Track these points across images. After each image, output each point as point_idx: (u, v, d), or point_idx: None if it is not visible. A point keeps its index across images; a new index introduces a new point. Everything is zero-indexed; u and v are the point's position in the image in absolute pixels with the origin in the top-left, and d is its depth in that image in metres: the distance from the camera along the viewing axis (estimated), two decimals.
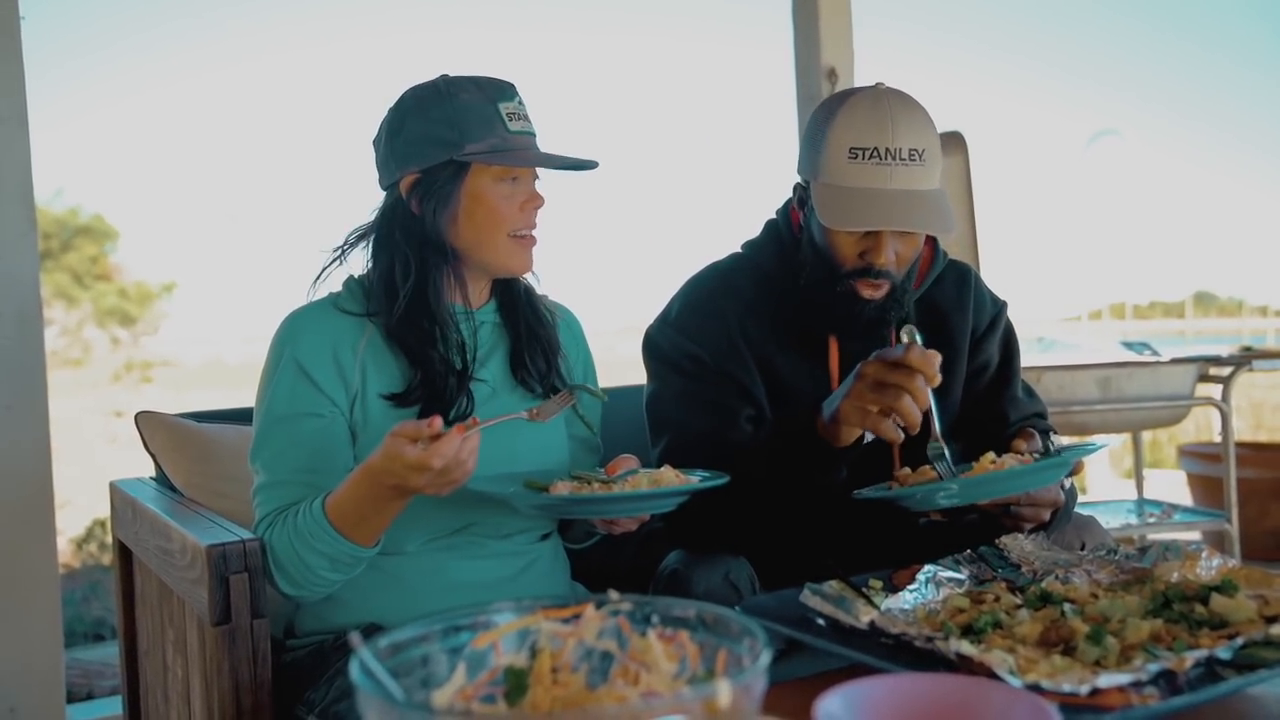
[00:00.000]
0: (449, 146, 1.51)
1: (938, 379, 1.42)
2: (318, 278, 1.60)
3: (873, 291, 1.62)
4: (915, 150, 1.55)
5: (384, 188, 1.60)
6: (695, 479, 1.47)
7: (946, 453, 1.49)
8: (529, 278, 1.68)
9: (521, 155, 1.54)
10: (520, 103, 1.57)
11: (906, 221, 1.55)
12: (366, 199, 1.63)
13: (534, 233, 1.58)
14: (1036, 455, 1.51)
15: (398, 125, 1.56)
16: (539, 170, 1.59)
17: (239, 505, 1.81)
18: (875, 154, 1.55)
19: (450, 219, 1.53)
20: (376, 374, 1.53)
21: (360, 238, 1.61)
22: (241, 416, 2.07)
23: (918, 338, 1.48)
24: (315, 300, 1.59)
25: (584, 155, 1.58)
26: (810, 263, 1.68)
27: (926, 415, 1.45)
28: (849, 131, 1.57)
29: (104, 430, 10.96)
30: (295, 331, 1.54)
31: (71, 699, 3.00)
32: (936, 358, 1.43)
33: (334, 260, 1.61)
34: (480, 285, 1.63)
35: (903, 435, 1.45)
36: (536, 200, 1.57)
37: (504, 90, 1.56)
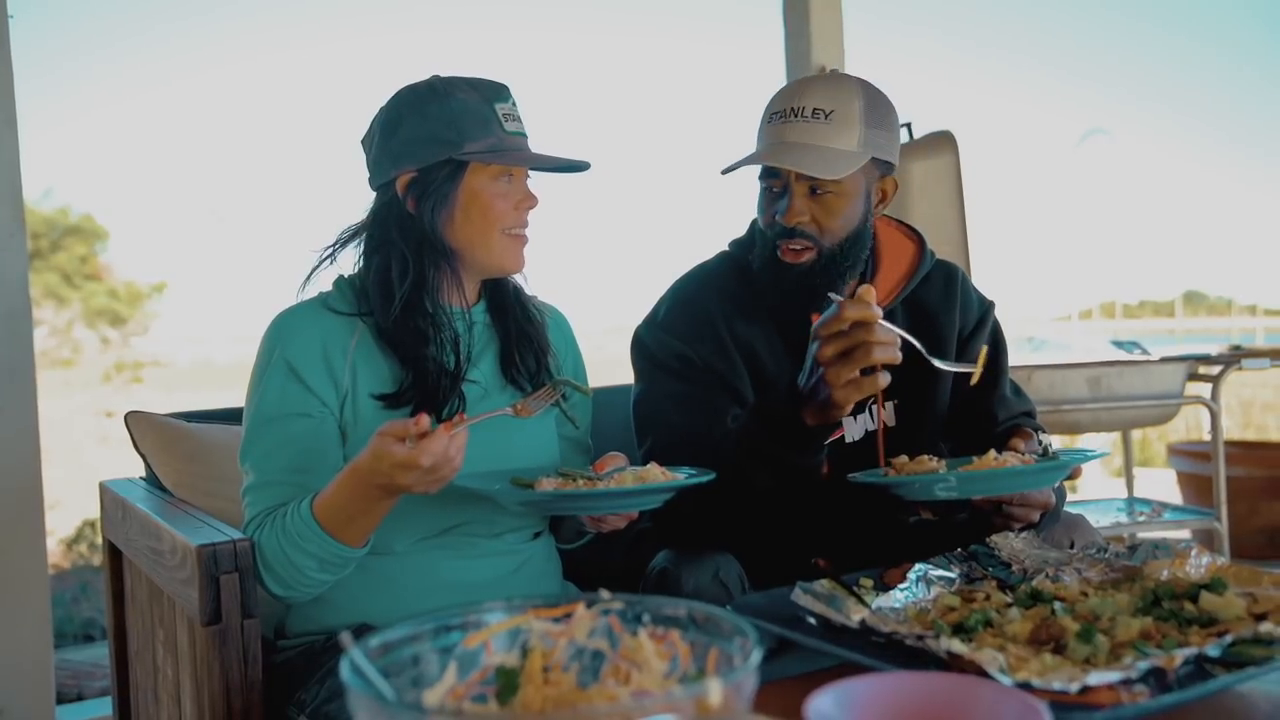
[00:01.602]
0: (448, 145, 1.52)
1: (879, 314, 1.39)
2: (307, 278, 1.60)
3: (794, 257, 1.66)
4: (820, 109, 1.63)
5: (375, 187, 1.60)
6: (681, 476, 1.47)
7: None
8: (518, 277, 1.68)
9: (519, 155, 1.55)
10: (514, 104, 1.58)
11: (776, 159, 1.62)
12: (354, 199, 1.63)
13: (526, 232, 1.59)
14: (1035, 455, 1.51)
15: (393, 125, 1.56)
16: (530, 171, 1.60)
17: (229, 505, 1.81)
18: (783, 114, 1.66)
19: (448, 218, 1.54)
20: (367, 373, 1.53)
21: (351, 237, 1.61)
22: (231, 417, 2.06)
23: (835, 296, 1.45)
24: (305, 300, 1.59)
25: (576, 156, 1.59)
26: (756, 240, 1.74)
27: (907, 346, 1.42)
28: (772, 102, 1.70)
29: (94, 430, 10.92)
30: (285, 331, 1.54)
31: (61, 700, 2.99)
32: (869, 292, 1.40)
33: (324, 260, 1.61)
34: (472, 285, 1.63)
35: (890, 379, 1.41)
36: (530, 200, 1.58)
37: (499, 91, 1.57)
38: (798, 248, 1.65)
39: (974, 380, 1.50)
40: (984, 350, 1.52)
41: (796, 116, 1.63)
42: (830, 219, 1.65)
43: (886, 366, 1.40)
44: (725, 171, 1.68)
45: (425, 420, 1.30)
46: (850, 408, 1.46)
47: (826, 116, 1.62)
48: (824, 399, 1.44)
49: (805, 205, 1.64)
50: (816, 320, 1.43)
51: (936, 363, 1.48)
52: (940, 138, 3.50)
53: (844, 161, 1.61)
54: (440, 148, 1.52)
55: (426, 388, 1.52)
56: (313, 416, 1.51)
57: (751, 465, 1.53)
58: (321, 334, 1.53)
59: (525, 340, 1.65)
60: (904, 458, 1.52)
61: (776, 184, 1.67)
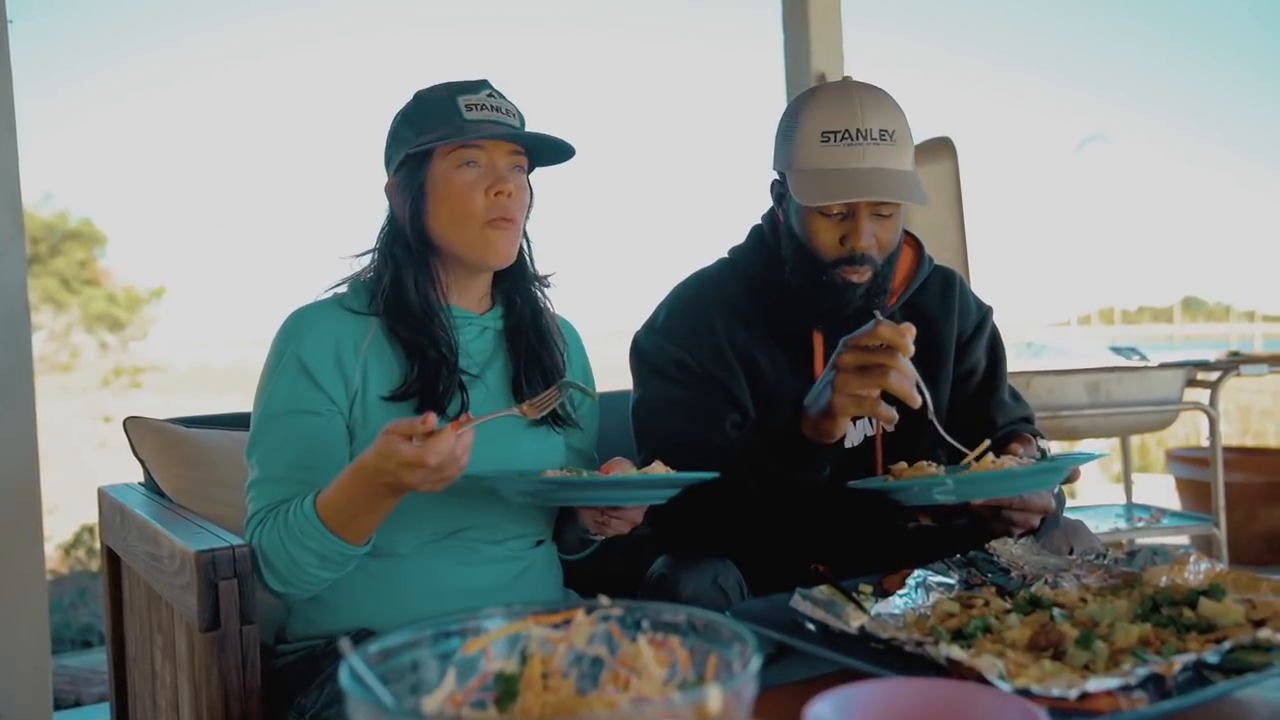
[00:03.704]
0: (406, 142, 1.56)
1: (911, 349, 1.41)
2: (334, 286, 1.63)
3: (858, 277, 1.63)
4: (885, 130, 1.59)
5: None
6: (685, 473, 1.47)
7: (944, 435, 1.50)
8: (543, 299, 1.69)
9: (472, 130, 1.53)
10: (489, 95, 1.57)
11: (883, 192, 1.56)
12: (355, 203, 1.65)
13: (508, 220, 1.54)
14: (1034, 459, 1.51)
15: (387, 138, 1.62)
16: (531, 171, 1.62)
17: (228, 511, 1.81)
18: (846, 135, 1.58)
19: (423, 211, 1.56)
20: (378, 373, 1.54)
21: (370, 251, 1.65)
22: (230, 422, 2.06)
23: (880, 315, 1.47)
24: (320, 299, 1.60)
25: (549, 133, 1.56)
26: (793, 257, 1.69)
27: (918, 389, 1.43)
28: (819, 117, 1.60)
29: (92, 435, 10.92)
30: (300, 329, 1.55)
31: (59, 706, 2.99)
32: (909, 330, 1.42)
33: (352, 277, 1.63)
34: (479, 286, 1.63)
35: (897, 415, 1.44)
36: (501, 185, 1.53)
37: (468, 85, 1.57)
38: (861, 270, 1.63)
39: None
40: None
41: (864, 139, 1.58)
42: (889, 237, 1.64)
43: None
44: (813, 205, 1.59)
45: (433, 419, 1.30)
46: (844, 427, 1.49)
47: (892, 137, 1.59)
48: (824, 405, 1.45)
49: (872, 228, 1.61)
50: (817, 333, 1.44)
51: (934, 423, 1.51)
52: (939, 143, 3.51)
53: (920, 184, 1.61)
54: (402, 145, 1.57)
55: (429, 383, 1.52)
56: (321, 414, 1.51)
57: (751, 480, 1.54)
58: (335, 333, 1.54)
59: (535, 366, 1.65)
60: (903, 464, 1.52)
61: (839, 209, 1.61)
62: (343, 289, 1.62)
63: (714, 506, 1.55)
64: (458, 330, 1.59)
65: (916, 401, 1.42)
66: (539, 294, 1.69)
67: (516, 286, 1.67)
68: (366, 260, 1.63)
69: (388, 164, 1.61)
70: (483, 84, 1.58)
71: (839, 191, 1.57)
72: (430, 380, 1.52)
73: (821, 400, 1.46)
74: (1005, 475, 1.41)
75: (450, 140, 1.52)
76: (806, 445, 1.52)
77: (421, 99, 1.58)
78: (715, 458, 1.57)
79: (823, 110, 1.61)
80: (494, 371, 1.62)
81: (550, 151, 1.61)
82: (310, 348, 1.52)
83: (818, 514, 1.63)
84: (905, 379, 1.40)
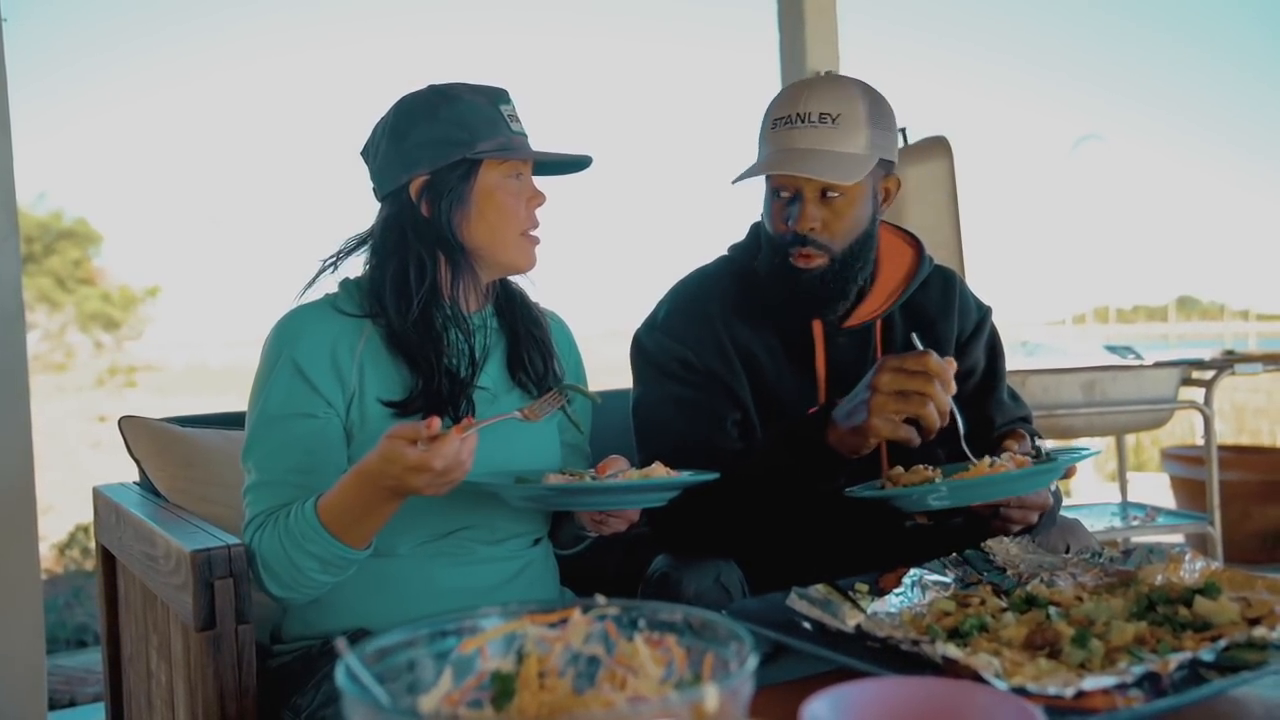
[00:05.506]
0: (461, 146, 1.53)
1: (954, 387, 1.44)
2: (309, 285, 1.60)
3: (805, 263, 1.66)
4: (827, 114, 1.63)
5: (384, 195, 1.59)
6: (685, 476, 1.47)
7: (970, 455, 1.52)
8: (524, 283, 1.70)
9: (528, 151, 1.58)
10: (514, 106, 1.60)
11: (788, 166, 1.61)
12: (351, 203, 1.64)
13: (537, 232, 1.60)
14: (1028, 457, 1.51)
15: (401, 131, 1.56)
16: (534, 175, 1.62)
17: (224, 510, 1.80)
18: (787, 120, 1.65)
19: (464, 217, 1.55)
20: (374, 376, 1.53)
21: (356, 246, 1.61)
22: (226, 421, 2.06)
23: (918, 344, 1.49)
24: (312, 301, 1.59)
25: (578, 152, 1.62)
26: (764, 247, 1.73)
27: (951, 417, 1.46)
28: (772, 108, 1.69)
29: (87, 435, 10.92)
30: (294, 332, 1.54)
31: (54, 706, 2.99)
32: (952, 364, 1.44)
33: (325, 269, 1.61)
34: (482, 287, 1.64)
35: (919, 440, 1.45)
36: (539, 198, 1.60)
37: (501, 94, 1.59)
38: (810, 254, 1.65)
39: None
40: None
41: (803, 122, 1.62)
42: (842, 223, 1.65)
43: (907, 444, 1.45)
44: (735, 181, 1.66)
45: (437, 423, 1.30)
46: (874, 445, 1.48)
47: (834, 121, 1.62)
48: (858, 424, 1.45)
49: (817, 212, 1.64)
50: (819, 328, 1.44)
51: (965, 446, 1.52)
52: (934, 143, 3.51)
53: (857, 166, 1.61)
54: (454, 148, 1.53)
55: (436, 394, 1.52)
56: (318, 417, 1.50)
57: (766, 483, 1.54)
58: (330, 335, 1.53)
59: (532, 341, 1.66)
60: (899, 469, 1.52)
61: (787, 191, 1.66)
62: (333, 290, 1.61)
63: (715, 506, 1.55)
64: (458, 330, 1.58)
65: (944, 424, 1.44)
66: (522, 281, 1.72)
67: (507, 279, 1.69)
68: (350, 260, 1.61)
69: (419, 162, 1.54)
70: (506, 93, 1.60)
71: (762, 166, 1.65)
72: (439, 394, 1.52)
73: (856, 419, 1.46)
74: (1001, 479, 1.42)
75: (513, 155, 1.55)
76: (832, 456, 1.52)
77: (465, 103, 1.55)
78: (717, 457, 1.57)
79: (777, 101, 1.69)
80: (493, 364, 1.62)
81: (562, 165, 1.65)
82: (306, 350, 1.51)
83: (817, 513, 1.63)
84: (941, 410, 1.42)
